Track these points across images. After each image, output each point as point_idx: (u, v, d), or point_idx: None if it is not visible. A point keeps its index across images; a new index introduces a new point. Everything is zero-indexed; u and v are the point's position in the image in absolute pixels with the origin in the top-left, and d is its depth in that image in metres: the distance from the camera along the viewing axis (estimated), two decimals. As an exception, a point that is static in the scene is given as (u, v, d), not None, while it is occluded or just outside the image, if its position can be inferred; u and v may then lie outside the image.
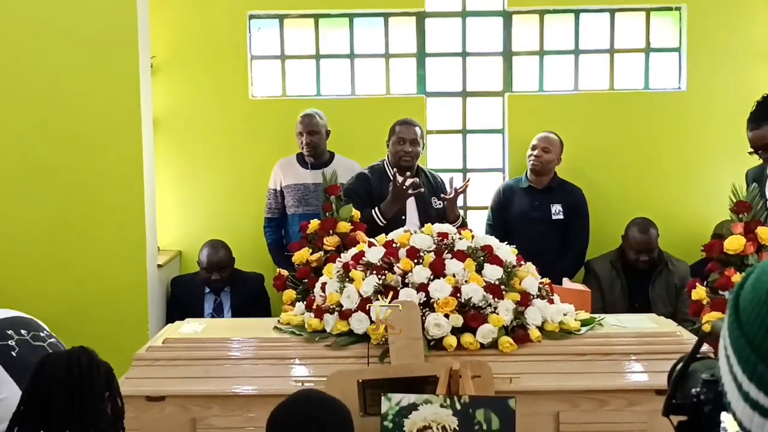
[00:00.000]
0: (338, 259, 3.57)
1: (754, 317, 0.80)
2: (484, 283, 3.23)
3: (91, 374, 2.41)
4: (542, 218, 5.20)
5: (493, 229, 5.17)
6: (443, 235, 3.41)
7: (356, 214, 4.23)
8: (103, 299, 4.85)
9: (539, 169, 5.21)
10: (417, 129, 4.88)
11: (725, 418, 1.15)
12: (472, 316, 3.16)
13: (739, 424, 0.81)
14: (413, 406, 2.79)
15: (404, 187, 4.57)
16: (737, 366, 0.81)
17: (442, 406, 2.78)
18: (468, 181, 4.93)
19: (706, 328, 2.30)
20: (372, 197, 4.70)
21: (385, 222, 4.53)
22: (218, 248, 5.28)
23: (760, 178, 4.61)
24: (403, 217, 4.74)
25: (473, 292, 3.18)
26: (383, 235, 3.61)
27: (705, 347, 1.33)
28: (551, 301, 3.38)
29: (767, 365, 0.77)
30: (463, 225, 4.81)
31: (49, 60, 4.83)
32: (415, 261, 3.28)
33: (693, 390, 1.18)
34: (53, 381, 2.38)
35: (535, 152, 5.20)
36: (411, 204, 4.82)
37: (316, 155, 5.26)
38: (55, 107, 4.84)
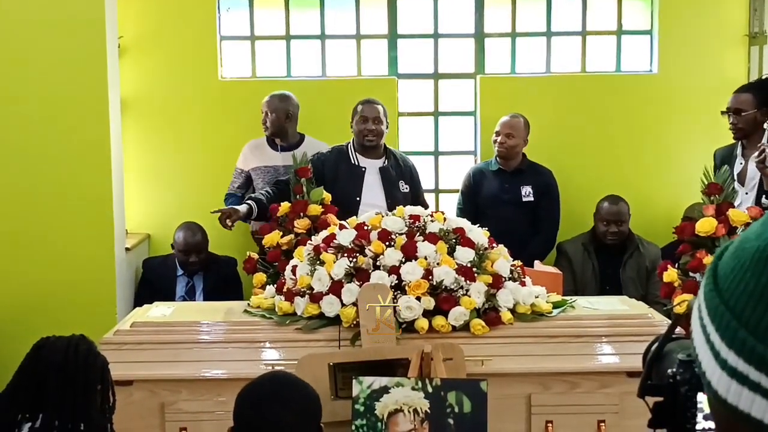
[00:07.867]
0: (309, 241, 3.54)
1: (736, 284, 0.79)
2: (456, 266, 3.22)
3: (87, 364, 2.37)
4: (513, 200, 5.19)
5: (463, 212, 5.14)
6: (415, 218, 3.40)
7: (327, 196, 4.20)
8: (71, 283, 4.78)
9: (505, 154, 5.19)
10: (380, 107, 4.85)
11: (702, 398, 1.14)
12: (443, 298, 3.16)
13: (714, 395, 0.80)
14: (384, 389, 2.77)
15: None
16: (715, 334, 0.80)
17: (413, 389, 2.77)
18: None
19: (681, 308, 2.30)
20: (324, 178, 4.55)
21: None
22: (195, 231, 5.23)
23: (729, 158, 4.63)
24: (357, 199, 4.68)
25: (445, 274, 3.17)
26: (354, 217, 3.58)
27: (678, 329, 1.31)
28: (523, 284, 3.38)
29: (749, 330, 0.77)
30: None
31: (15, 39, 4.73)
32: (387, 243, 3.26)
33: (669, 370, 1.16)
34: (49, 365, 2.33)
35: (499, 138, 5.17)
36: (376, 186, 4.77)
37: (281, 134, 5.18)
38: (21, 88, 4.74)
